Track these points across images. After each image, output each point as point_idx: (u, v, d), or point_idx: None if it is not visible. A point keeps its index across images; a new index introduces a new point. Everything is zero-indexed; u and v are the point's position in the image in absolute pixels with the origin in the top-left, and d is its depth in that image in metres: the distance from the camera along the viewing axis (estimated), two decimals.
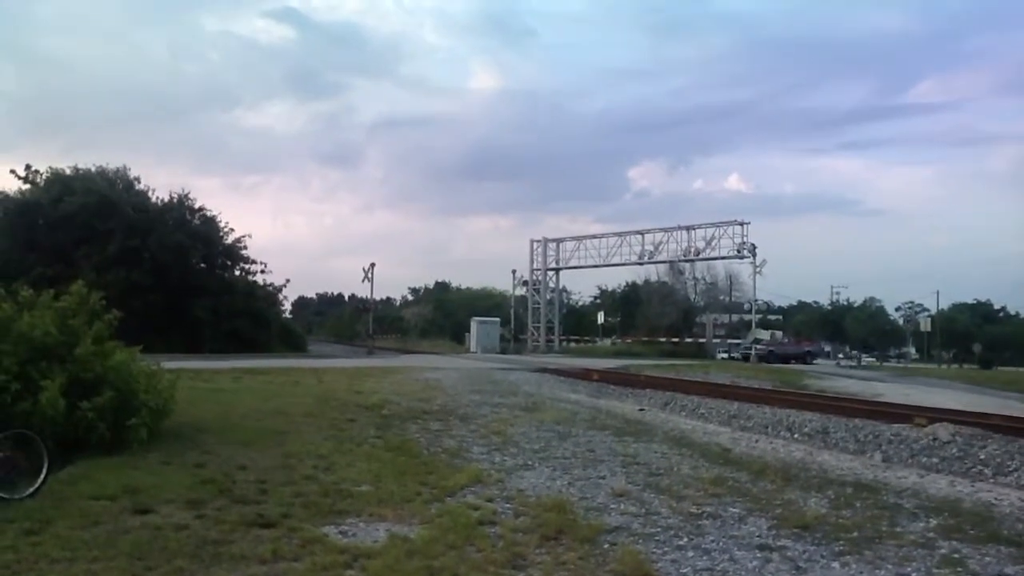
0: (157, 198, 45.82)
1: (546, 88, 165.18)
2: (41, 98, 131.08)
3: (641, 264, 59.72)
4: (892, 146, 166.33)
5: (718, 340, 62.22)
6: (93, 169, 44.90)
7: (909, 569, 5.35)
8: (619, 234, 59.25)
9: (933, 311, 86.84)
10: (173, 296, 41.19)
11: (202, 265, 45.84)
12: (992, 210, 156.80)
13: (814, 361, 56.09)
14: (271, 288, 48.92)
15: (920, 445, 11.70)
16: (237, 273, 47.51)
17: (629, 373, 29.11)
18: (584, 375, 27.28)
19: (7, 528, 5.68)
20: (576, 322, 79.10)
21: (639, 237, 57.35)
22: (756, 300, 59.96)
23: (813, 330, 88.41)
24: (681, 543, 5.92)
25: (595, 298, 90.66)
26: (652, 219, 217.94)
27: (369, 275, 51.98)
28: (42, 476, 7.03)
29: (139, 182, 46.10)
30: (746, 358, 49.77)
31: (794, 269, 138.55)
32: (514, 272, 67.19)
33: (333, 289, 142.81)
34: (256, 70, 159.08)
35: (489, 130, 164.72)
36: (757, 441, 12.44)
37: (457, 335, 70.18)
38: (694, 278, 70.26)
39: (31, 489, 6.82)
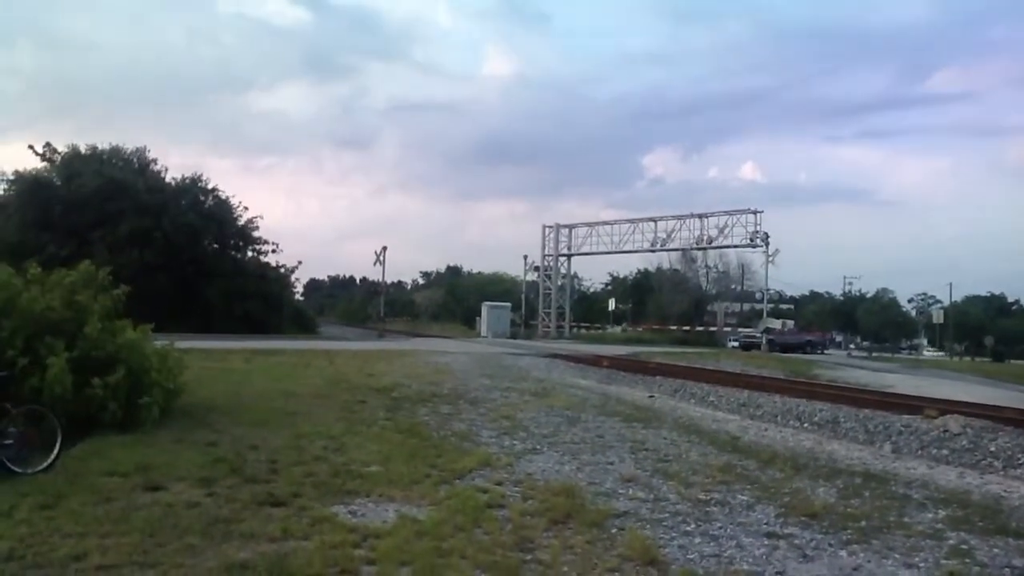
0: (171, 179, 46.03)
1: (561, 73, 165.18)
2: (58, 78, 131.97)
3: (653, 251, 59.63)
4: (909, 136, 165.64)
5: (729, 329, 62.02)
6: (108, 148, 45.08)
7: (917, 559, 5.34)
8: (631, 221, 59.06)
9: (946, 303, 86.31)
10: (186, 277, 41.40)
11: (215, 246, 46.02)
12: (1008, 202, 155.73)
13: (824, 352, 55.82)
14: (283, 270, 49.06)
15: (930, 437, 11.67)
16: (249, 255, 47.66)
17: (639, 360, 29.09)
18: (594, 361, 27.28)
19: (21, 502, 5.75)
20: (587, 309, 78.96)
21: (651, 224, 57.18)
22: (768, 289, 59.80)
23: (825, 321, 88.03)
24: (689, 529, 5.93)
25: (606, 285, 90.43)
26: (665, 206, 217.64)
27: (381, 258, 52.10)
28: (55, 452, 7.12)
29: (155, 164, 46.32)
30: (746, 347, 49.05)
31: (807, 259, 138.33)
32: (525, 258, 67.17)
33: (345, 272, 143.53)
34: (271, 52, 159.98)
35: (503, 115, 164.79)
36: (766, 430, 12.43)
37: (468, 320, 70.33)
38: (706, 266, 69.98)
39: (45, 464, 6.91)
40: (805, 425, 13.58)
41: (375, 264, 52.95)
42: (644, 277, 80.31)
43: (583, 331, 69.31)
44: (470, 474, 7.52)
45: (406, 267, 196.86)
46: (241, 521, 5.51)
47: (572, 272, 69.47)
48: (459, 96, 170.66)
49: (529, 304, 65.83)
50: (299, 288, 65.22)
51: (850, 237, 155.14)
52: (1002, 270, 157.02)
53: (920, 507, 6.95)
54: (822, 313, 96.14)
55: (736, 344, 52.14)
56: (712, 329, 63.14)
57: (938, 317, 75.71)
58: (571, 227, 62.98)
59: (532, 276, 67.99)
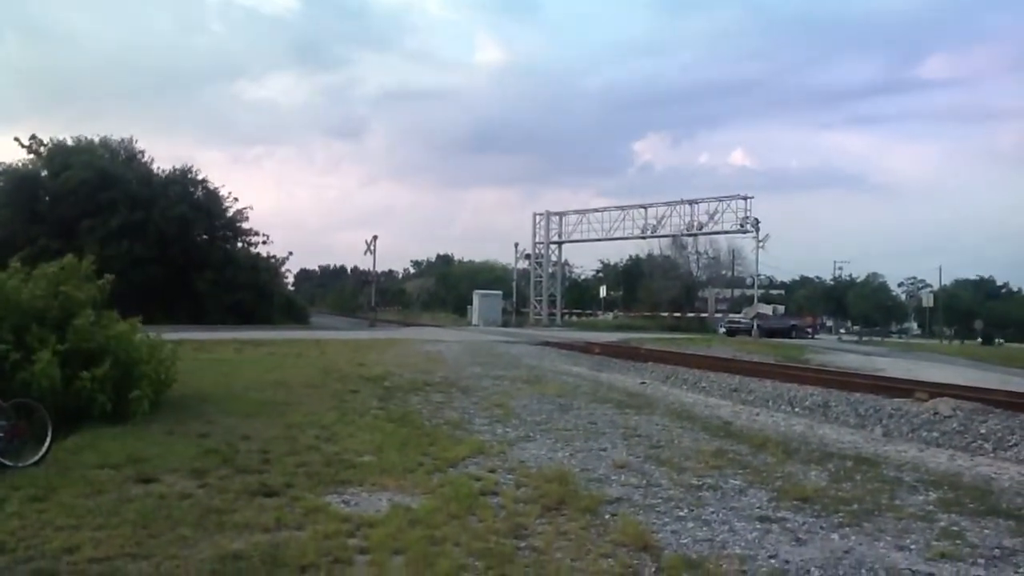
0: (160, 170, 45.81)
1: (552, 61, 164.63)
2: (46, 70, 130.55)
3: (644, 238, 59.63)
4: (899, 122, 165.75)
5: (720, 315, 62.18)
6: (96, 140, 44.76)
7: (908, 541, 5.37)
8: (622, 208, 59.06)
9: (936, 287, 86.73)
10: (176, 269, 41.29)
11: (204, 237, 45.86)
12: (997, 187, 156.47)
13: (813, 336, 56.02)
14: (273, 260, 48.99)
15: (921, 419, 11.72)
16: (240, 246, 47.55)
17: (631, 347, 29.13)
18: (586, 348, 27.32)
19: (13, 495, 5.73)
20: (578, 296, 79.11)
21: (642, 211, 57.17)
22: (758, 275, 59.94)
23: (815, 305, 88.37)
24: (681, 514, 5.95)
25: (597, 272, 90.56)
26: (656, 193, 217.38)
27: (372, 248, 52.29)
28: (46, 445, 7.09)
29: (143, 155, 46.05)
30: (731, 333, 48.77)
31: (797, 244, 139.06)
32: (516, 245, 67.32)
33: (336, 261, 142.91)
34: (260, 42, 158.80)
35: (494, 103, 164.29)
36: (758, 414, 12.47)
37: (459, 308, 70.29)
38: (697, 252, 70.37)
39: (36, 457, 6.88)
40: (796, 410, 13.63)
41: (366, 253, 53.29)
42: (635, 264, 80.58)
43: (574, 318, 69.46)
44: (463, 462, 7.52)
45: (397, 256, 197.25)
46: (234, 512, 5.49)
47: (563, 259, 69.59)
48: (450, 85, 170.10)
49: (520, 292, 65.87)
50: (290, 278, 65.24)
51: (840, 222, 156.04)
52: (991, 254, 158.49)
53: (911, 490, 6.99)
54: (813, 298, 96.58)
55: (724, 330, 52.26)
56: (703, 315, 63.35)
57: (928, 301, 76.05)
58: (562, 214, 62.93)
59: (523, 264, 68.20)
